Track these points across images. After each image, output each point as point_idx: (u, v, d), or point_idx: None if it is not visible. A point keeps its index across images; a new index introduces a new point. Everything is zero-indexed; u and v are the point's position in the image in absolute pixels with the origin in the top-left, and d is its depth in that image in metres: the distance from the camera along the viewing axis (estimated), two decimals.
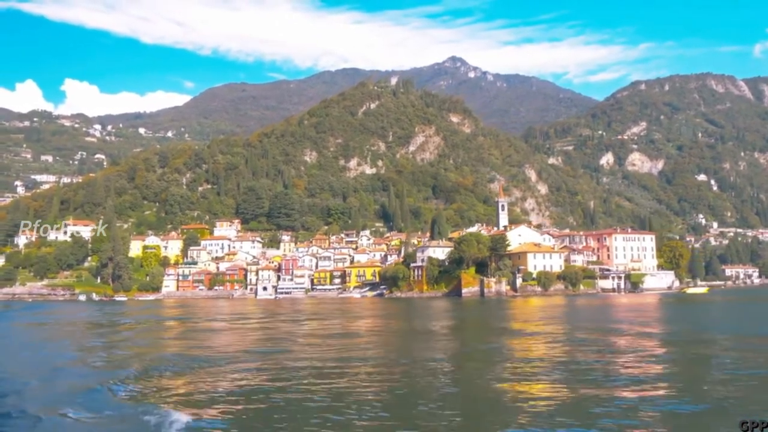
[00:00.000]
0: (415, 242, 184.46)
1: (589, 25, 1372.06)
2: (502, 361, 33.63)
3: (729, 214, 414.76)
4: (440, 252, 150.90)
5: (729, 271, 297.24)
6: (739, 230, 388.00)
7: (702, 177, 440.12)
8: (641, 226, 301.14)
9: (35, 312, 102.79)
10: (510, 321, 66.96)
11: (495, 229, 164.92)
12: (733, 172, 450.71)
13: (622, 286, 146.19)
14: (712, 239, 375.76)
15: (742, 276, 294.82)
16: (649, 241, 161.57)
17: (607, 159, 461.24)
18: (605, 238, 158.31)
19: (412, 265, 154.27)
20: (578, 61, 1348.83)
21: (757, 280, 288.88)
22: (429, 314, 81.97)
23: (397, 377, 28.28)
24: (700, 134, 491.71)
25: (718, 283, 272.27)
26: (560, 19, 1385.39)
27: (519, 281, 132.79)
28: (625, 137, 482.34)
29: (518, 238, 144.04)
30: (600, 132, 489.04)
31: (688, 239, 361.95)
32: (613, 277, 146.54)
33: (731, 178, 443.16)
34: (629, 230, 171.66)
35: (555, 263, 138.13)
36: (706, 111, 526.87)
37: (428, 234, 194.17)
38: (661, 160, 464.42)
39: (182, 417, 20.42)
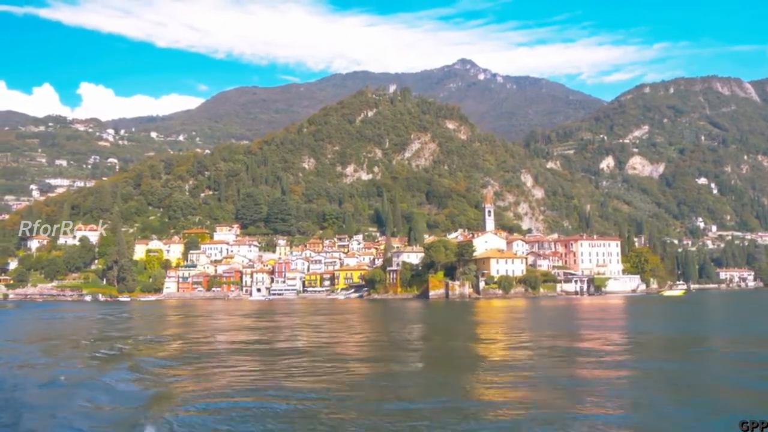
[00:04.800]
0: (400, 246, 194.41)
1: (602, 26, 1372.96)
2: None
3: (728, 217, 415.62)
4: (414, 257, 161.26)
5: (723, 275, 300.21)
6: (737, 233, 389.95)
7: (702, 180, 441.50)
8: (638, 230, 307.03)
9: (45, 310, 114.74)
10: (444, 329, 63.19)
11: (470, 234, 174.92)
12: (734, 175, 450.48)
13: (585, 289, 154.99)
14: (709, 242, 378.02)
15: (736, 279, 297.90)
16: (614, 247, 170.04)
17: (607, 163, 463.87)
18: (572, 244, 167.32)
19: (388, 268, 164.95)
20: (592, 61, 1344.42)
21: (752, 284, 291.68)
22: (375, 316, 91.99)
23: None
24: (702, 137, 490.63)
25: (711, 286, 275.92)
26: (573, 20, 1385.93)
27: (482, 284, 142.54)
28: (627, 141, 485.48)
29: (484, 244, 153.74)
30: (601, 136, 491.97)
31: (685, 242, 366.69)
32: (576, 281, 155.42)
33: (732, 181, 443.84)
34: (595, 237, 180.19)
35: (517, 268, 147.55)
36: (710, 114, 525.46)
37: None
38: (662, 163, 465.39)
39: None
